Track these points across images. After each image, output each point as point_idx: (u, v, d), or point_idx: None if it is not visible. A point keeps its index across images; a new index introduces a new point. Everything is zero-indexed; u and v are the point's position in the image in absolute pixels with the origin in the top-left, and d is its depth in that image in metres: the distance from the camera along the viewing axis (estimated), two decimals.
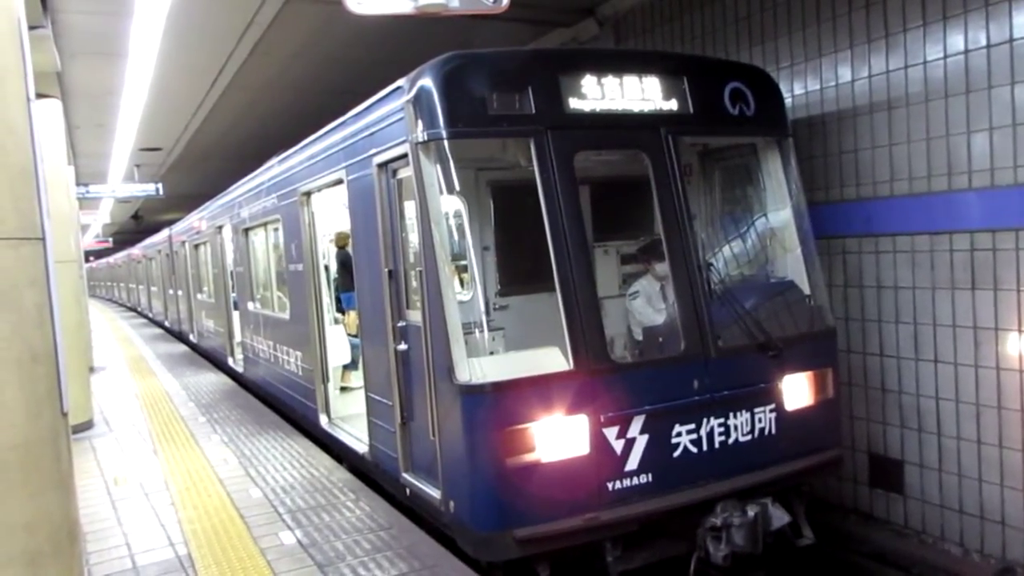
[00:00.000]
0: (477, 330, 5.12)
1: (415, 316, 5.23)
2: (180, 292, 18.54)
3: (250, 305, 10.89)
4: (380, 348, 5.82)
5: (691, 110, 5.32)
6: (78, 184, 16.53)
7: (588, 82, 5.02)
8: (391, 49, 8.75)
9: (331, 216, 8.57)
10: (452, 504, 4.87)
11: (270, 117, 12.66)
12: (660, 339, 5.66)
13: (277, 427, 8.75)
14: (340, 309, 9.75)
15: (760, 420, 5.24)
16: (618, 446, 4.76)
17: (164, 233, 20.62)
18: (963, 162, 5.40)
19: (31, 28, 4.97)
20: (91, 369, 12.97)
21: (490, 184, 6.86)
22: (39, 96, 4.00)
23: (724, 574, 4.93)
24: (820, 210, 6.16)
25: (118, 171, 17.61)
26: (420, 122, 4.76)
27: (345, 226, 7.56)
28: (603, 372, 4.74)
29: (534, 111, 4.81)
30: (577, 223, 4.82)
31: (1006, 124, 5.13)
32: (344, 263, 9.15)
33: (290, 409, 9.13)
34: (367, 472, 6.62)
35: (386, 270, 5.52)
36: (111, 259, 47.75)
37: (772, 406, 5.29)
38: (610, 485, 4.75)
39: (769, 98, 5.74)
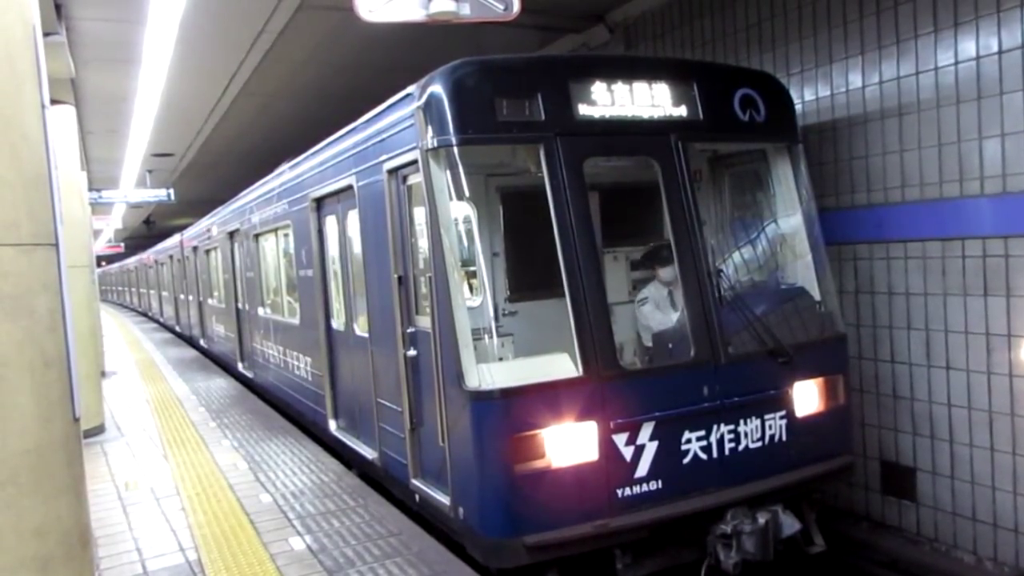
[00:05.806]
0: (486, 336, 5.11)
1: (424, 322, 5.24)
2: (191, 297, 18.62)
3: (260, 310, 10.92)
4: (389, 354, 5.83)
5: (701, 116, 5.32)
6: (91, 189, 16.65)
7: (598, 88, 5.02)
8: (401, 55, 8.78)
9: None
10: (461, 510, 4.87)
11: (281, 123, 12.72)
12: (670, 345, 5.65)
13: (286, 432, 8.77)
14: None
15: (770, 427, 5.23)
16: (628, 453, 4.76)
17: (175, 238, 20.71)
18: (975, 168, 5.37)
19: (46, 35, 5.00)
20: (102, 374, 13.03)
21: (500, 190, 6.85)
22: (53, 102, 4.03)
23: None
24: (831, 216, 6.15)
25: (130, 176, 17.71)
26: (430, 128, 4.77)
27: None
28: (613, 378, 4.73)
29: (544, 117, 4.82)
30: (587, 229, 4.82)
31: (1018, 130, 5.11)
32: None
33: (299, 414, 9.15)
34: (376, 478, 6.62)
35: (396, 276, 5.54)
36: (122, 264, 47.97)
37: (782, 413, 5.28)
38: (620, 492, 4.74)
39: (779, 104, 5.73)
